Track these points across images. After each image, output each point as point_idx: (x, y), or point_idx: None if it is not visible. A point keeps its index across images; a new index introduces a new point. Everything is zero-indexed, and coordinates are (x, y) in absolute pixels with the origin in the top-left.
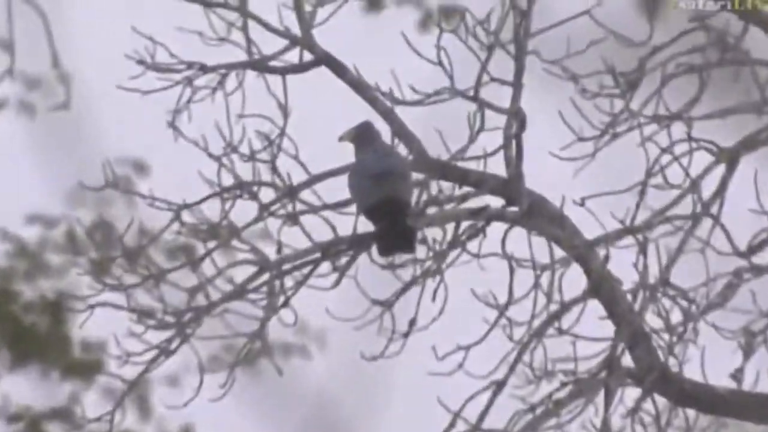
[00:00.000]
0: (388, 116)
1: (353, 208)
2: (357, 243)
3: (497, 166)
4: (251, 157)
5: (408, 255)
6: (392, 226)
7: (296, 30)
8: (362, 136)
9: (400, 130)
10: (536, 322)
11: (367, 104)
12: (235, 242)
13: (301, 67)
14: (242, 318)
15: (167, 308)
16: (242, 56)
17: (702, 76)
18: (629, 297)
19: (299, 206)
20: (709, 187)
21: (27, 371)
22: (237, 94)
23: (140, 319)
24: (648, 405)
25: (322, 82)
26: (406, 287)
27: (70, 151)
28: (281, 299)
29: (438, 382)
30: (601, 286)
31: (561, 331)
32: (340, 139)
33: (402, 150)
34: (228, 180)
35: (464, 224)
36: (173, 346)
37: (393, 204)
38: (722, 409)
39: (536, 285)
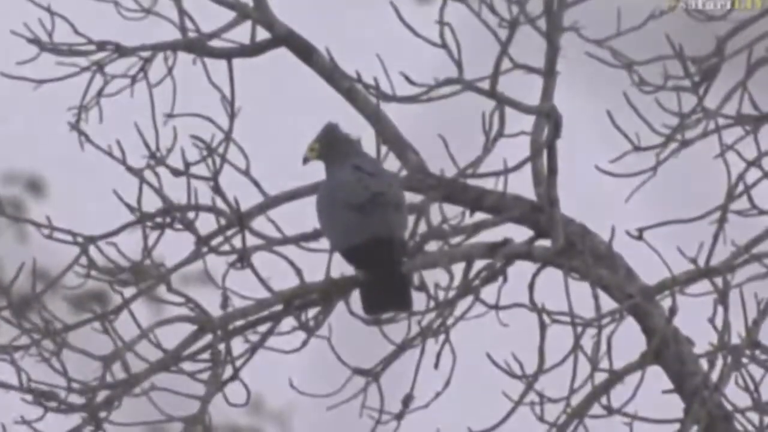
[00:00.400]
0: (373, 116)
1: (326, 242)
2: (332, 291)
3: (522, 185)
4: (185, 171)
5: (402, 313)
6: (384, 277)
7: None
8: (331, 146)
9: (388, 136)
10: (577, 398)
11: (343, 100)
12: (163, 290)
13: (253, 49)
14: (176, 396)
15: (73, 383)
16: (173, 34)
17: None
18: (704, 363)
19: (251, 240)
20: None
21: None
22: (165, 85)
23: (36, 400)
24: None
25: (282, 70)
26: (399, 351)
27: None
28: (228, 369)
29: None
30: (666, 349)
31: (611, 410)
32: (305, 160)
33: (391, 163)
34: (153, 203)
35: (477, 264)
36: None
37: (384, 246)
38: None
39: (576, 347)
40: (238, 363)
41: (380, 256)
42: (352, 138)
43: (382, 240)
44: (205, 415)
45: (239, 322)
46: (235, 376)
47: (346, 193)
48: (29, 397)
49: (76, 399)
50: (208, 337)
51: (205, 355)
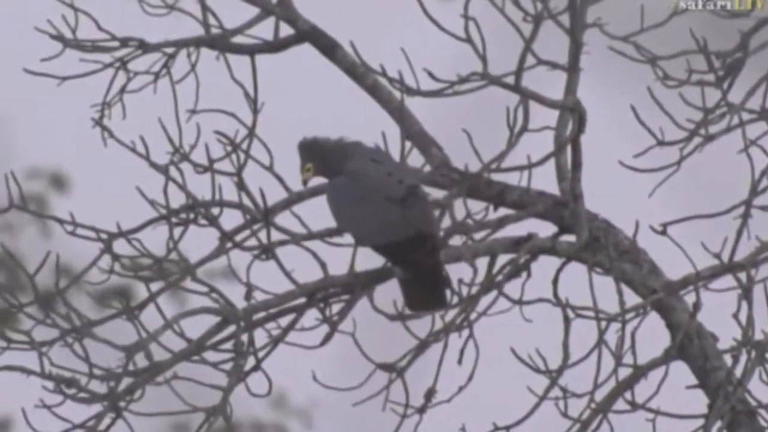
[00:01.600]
0: (397, 112)
1: (349, 237)
2: (355, 285)
3: (546, 180)
4: (209, 167)
5: (440, 311)
6: (428, 274)
7: None
8: (324, 159)
9: (412, 131)
10: (601, 393)
11: (366, 95)
12: (188, 283)
13: (277, 45)
14: (198, 386)
15: (95, 372)
16: (196, 30)
17: None
18: (728, 359)
19: (275, 235)
20: None
21: None
22: (188, 81)
23: (58, 387)
24: None
25: (305, 66)
26: (423, 346)
27: None
28: (251, 361)
29: None
30: (690, 345)
31: (634, 405)
32: (305, 182)
33: (415, 159)
34: (178, 199)
35: (501, 260)
36: (104, 425)
37: (428, 242)
38: None
39: (600, 342)
40: (261, 354)
41: (424, 252)
42: (338, 140)
43: (425, 235)
44: (227, 406)
45: (263, 314)
46: (257, 367)
47: (382, 186)
48: (50, 385)
49: (97, 386)
50: (231, 328)
51: (228, 346)
